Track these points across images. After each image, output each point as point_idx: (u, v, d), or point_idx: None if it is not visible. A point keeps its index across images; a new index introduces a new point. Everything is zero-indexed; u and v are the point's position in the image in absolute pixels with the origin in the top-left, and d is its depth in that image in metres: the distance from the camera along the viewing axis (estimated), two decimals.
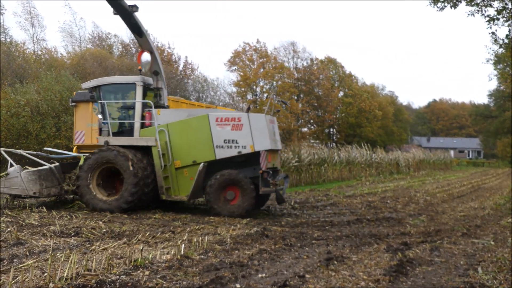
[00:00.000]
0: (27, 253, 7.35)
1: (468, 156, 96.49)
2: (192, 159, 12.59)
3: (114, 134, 13.20)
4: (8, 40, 33.52)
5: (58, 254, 7.22)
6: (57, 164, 13.66)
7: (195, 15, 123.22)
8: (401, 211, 14.03)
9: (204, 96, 43.66)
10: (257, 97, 55.48)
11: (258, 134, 12.20)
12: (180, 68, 46.23)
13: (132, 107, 13.18)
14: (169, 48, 46.70)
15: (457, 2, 15.67)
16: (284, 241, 8.82)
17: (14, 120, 20.89)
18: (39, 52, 36.35)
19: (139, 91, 12.97)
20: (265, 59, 55.20)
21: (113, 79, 13.76)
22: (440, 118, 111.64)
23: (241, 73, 54.05)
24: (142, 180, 12.26)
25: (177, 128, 12.76)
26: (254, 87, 55.28)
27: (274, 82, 55.71)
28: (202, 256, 7.39)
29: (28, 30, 35.97)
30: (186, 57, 54.11)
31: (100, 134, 13.36)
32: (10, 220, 10.41)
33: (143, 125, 13.01)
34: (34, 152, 14.59)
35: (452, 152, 74.41)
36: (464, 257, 8.01)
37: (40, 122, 21.33)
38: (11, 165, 12.96)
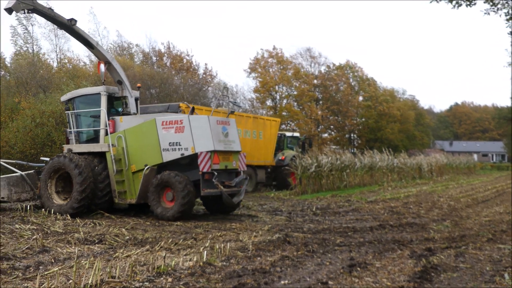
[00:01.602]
0: (53, 260, 7.48)
1: (492, 160, 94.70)
2: (144, 163, 12.86)
3: (86, 142, 13.87)
4: (36, 50, 34.25)
5: (82, 261, 7.33)
6: (31, 171, 14.38)
7: (210, 21, 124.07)
8: (425, 217, 13.84)
9: (223, 103, 43.80)
10: (277, 103, 55.47)
11: (199, 136, 12.36)
12: (200, 75, 46.55)
13: (98, 115, 13.67)
14: (187, 55, 47.11)
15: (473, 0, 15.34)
16: (306, 247, 8.78)
17: (39, 130, 21.30)
18: (65, 61, 36.89)
19: (103, 100, 13.49)
20: (283, 66, 55.15)
21: (83, 91, 14.36)
22: (463, 122, 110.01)
23: (261, 79, 54.13)
24: (91, 185, 12.66)
25: (132, 133, 13.15)
26: (274, 92, 55.28)
27: (292, 87, 55.65)
28: (224, 263, 7.41)
29: (52, 41, 36.56)
30: (206, 64, 54.57)
31: (67, 142, 14.07)
32: (35, 227, 10.63)
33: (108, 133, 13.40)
34: (13, 161, 15.75)
35: (475, 156, 73.14)
36: (490, 263, 7.86)
37: (64, 132, 21.69)
38: None
